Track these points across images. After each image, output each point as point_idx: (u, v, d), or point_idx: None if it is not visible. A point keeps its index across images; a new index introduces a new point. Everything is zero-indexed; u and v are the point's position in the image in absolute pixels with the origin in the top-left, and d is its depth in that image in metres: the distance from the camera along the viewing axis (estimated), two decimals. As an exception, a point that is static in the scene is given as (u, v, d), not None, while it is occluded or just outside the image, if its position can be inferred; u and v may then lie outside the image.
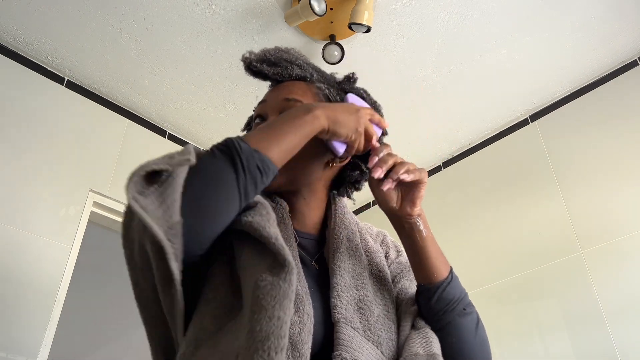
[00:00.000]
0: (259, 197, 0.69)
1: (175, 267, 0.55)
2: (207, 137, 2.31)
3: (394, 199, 0.80)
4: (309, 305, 0.68)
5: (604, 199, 1.86)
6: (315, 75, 0.88)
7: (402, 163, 0.77)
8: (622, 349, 1.64)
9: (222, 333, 0.61)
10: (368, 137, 0.78)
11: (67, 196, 1.81)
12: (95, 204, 1.90)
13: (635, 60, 1.99)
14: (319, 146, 0.80)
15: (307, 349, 0.63)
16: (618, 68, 2.02)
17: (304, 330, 0.64)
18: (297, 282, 0.58)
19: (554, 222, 1.96)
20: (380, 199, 0.80)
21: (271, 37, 1.87)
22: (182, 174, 0.58)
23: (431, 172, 2.49)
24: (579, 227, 1.89)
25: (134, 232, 0.58)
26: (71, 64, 1.96)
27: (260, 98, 0.89)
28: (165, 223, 0.54)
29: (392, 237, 0.94)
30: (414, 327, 0.76)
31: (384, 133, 0.88)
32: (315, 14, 1.64)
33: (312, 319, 0.67)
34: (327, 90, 0.86)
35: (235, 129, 2.54)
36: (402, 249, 0.92)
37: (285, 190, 0.83)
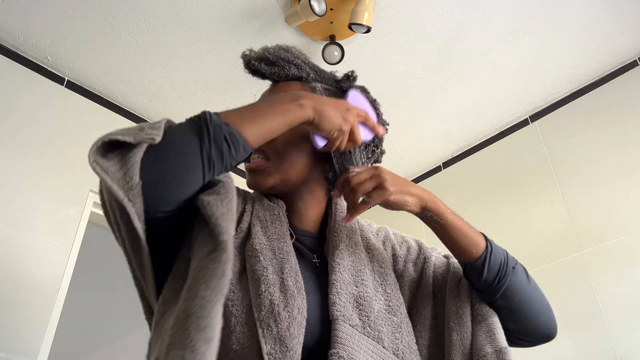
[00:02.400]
0: (225, 176, 0.68)
1: (139, 226, 0.57)
2: (207, 137, 2.31)
3: (394, 206, 0.81)
4: (301, 300, 0.68)
5: (604, 199, 1.86)
6: (312, 75, 0.88)
7: (355, 191, 0.77)
8: (622, 349, 1.64)
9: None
10: (352, 138, 0.78)
11: (67, 196, 1.81)
12: (95, 204, 1.90)
13: (635, 60, 1.99)
14: (309, 145, 0.81)
15: (296, 343, 0.63)
16: (618, 68, 2.02)
17: (293, 324, 0.65)
18: (231, 262, 0.56)
19: (554, 222, 1.96)
20: (390, 208, 0.82)
21: (271, 38, 1.87)
22: (143, 146, 0.60)
23: (431, 172, 2.49)
24: (579, 227, 1.89)
25: (105, 196, 0.61)
26: (71, 64, 1.96)
27: (258, 97, 0.89)
28: (125, 184, 0.56)
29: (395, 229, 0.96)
30: (474, 316, 0.78)
31: (377, 139, 0.87)
32: (316, 14, 1.64)
33: (305, 313, 0.67)
34: (323, 90, 0.86)
35: (235, 129, 2.52)
36: (406, 238, 0.95)
37: (280, 191, 0.84)
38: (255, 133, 0.67)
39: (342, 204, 0.88)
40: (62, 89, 1.98)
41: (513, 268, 0.80)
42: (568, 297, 1.82)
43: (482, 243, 0.80)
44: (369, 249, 0.85)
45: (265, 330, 0.64)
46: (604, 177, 1.89)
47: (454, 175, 2.41)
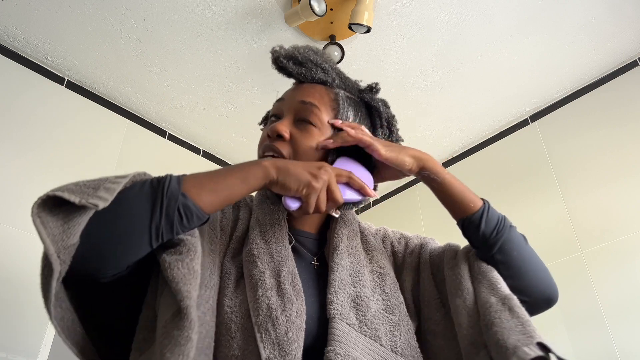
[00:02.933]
0: (188, 233, 0.67)
1: (54, 285, 0.56)
2: (207, 137, 2.31)
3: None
4: (299, 303, 0.68)
5: (604, 199, 1.86)
6: (337, 81, 0.89)
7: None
8: (622, 349, 1.64)
9: (144, 357, 0.62)
10: (331, 197, 0.73)
11: (67, 196, 1.81)
12: (95, 204, 1.90)
13: (635, 60, 1.99)
14: (319, 154, 0.82)
15: (296, 347, 0.64)
16: (618, 68, 2.02)
17: (292, 328, 0.65)
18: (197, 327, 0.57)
19: (554, 222, 1.96)
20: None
21: (271, 38, 1.87)
22: (89, 212, 0.58)
23: (431, 173, 2.49)
24: (579, 227, 1.89)
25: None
26: (71, 64, 1.96)
27: (280, 94, 0.90)
28: (60, 241, 0.55)
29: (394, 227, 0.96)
30: (473, 277, 0.78)
31: (364, 199, 0.81)
32: (316, 14, 1.64)
33: (304, 316, 0.68)
34: (345, 98, 0.88)
35: (235, 129, 2.55)
36: (405, 233, 0.95)
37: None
38: (214, 202, 0.66)
39: (344, 210, 0.89)
40: (62, 89, 1.98)
41: (511, 226, 0.81)
42: (568, 297, 1.82)
43: (479, 201, 0.82)
44: (369, 250, 0.86)
45: (263, 335, 0.64)
46: (604, 177, 1.89)
47: (454, 174, 2.41)
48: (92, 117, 2.02)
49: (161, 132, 2.24)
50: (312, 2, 1.63)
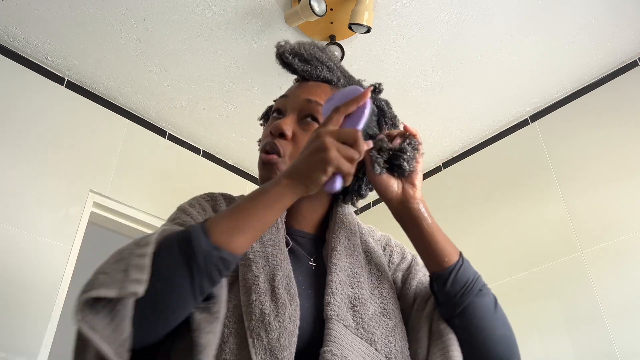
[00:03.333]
0: (217, 287, 0.65)
1: None
2: (207, 137, 2.31)
3: (394, 185, 0.78)
4: (293, 309, 0.67)
5: (604, 199, 1.86)
6: (342, 80, 0.87)
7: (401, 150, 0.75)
8: (622, 349, 1.64)
9: None
10: (356, 148, 0.65)
11: (67, 196, 1.81)
12: (96, 204, 1.90)
13: (635, 60, 1.99)
14: None
15: (287, 354, 0.63)
16: (618, 68, 2.02)
17: (284, 334, 0.64)
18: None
19: (554, 222, 1.96)
20: (380, 188, 0.78)
21: (271, 38, 1.87)
22: (132, 300, 0.57)
23: (431, 173, 2.49)
24: (579, 227, 1.89)
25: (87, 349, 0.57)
26: (71, 64, 1.96)
27: (284, 89, 0.88)
28: (114, 340, 0.55)
29: (398, 238, 0.93)
30: (432, 332, 0.75)
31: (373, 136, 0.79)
32: (316, 14, 1.64)
33: (297, 322, 0.67)
34: None
35: (235, 129, 2.55)
36: (406, 250, 0.91)
37: None
38: (246, 241, 0.64)
39: (343, 208, 0.87)
40: (62, 89, 1.98)
41: (480, 290, 0.75)
42: (568, 297, 1.82)
43: (457, 255, 0.77)
44: (368, 252, 0.84)
45: (255, 341, 0.63)
46: (604, 177, 1.89)
47: (454, 175, 2.41)
48: (92, 117, 2.02)
49: (161, 132, 2.24)
50: (312, 2, 1.63)
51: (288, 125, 0.81)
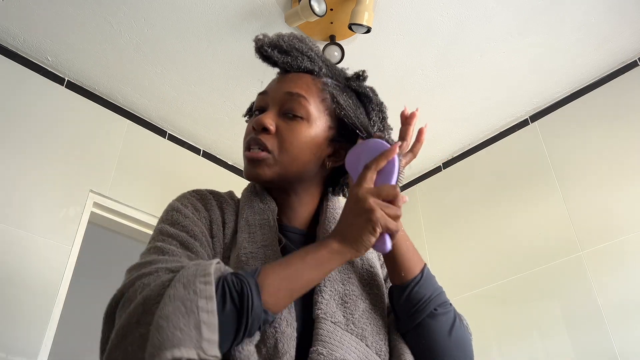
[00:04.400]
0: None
1: None
2: (207, 137, 2.31)
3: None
4: (289, 310, 0.66)
5: (604, 199, 1.86)
6: (324, 70, 0.85)
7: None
8: (622, 349, 1.64)
9: None
10: (395, 204, 0.67)
11: (67, 197, 1.81)
12: (96, 204, 1.90)
13: (635, 60, 1.99)
14: (317, 147, 0.79)
15: (287, 358, 0.62)
16: (618, 69, 2.02)
17: (282, 339, 0.63)
18: None
19: (554, 222, 1.96)
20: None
21: (271, 38, 1.87)
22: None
23: (431, 173, 2.49)
24: (579, 227, 1.89)
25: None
26: (71, 64, 1.96)
27: (266, 84, 0.87)
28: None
29: None
30: (390, 345, 0.74)
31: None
32: (316, 14, 1.64)
33: (295, 324, 0.66)
34: (333, 86, 0.84)
35: (235, 130, 2.54)
36: None
37: (277, 186, 0.82)
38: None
39: (333, 202, 0.86)
40: (62, 89, 1.98)
41: (435, 310, 0.73)
42: (568, 298, 1.82)
43: (417, 270, 0.74)
44: None
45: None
46: (604, 177, 1.89)
47: (454, 175, 2.41)
48: (92, 117, 2.02)
49: (161, 132, 2.24)
50: (312, 2, 1.63)
51: (270, 119, 0.79)
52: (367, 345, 0.70)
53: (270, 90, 0.84)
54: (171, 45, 1.90)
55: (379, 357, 0.70)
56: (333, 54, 1.83)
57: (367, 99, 0.88)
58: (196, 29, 1.84)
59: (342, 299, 0.72)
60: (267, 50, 0.84)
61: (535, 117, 2.20)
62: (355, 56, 1.93)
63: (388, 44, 1.91)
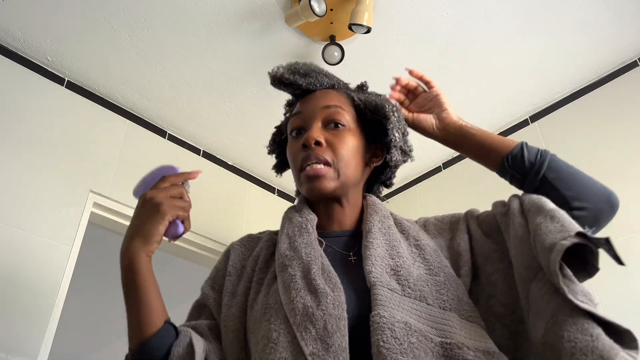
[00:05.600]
0: None
1: None
2: (207, 137, 2.31)
3: (431, 121, 0.95)
4: (337, 294, 0.69)
5: (604, 199, 1.86)
6: (341, 84, 0.95)
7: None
8: (622, 349, 1.64)
9: None
10: (178, 204, 0.76)
11: (67, 197, 1.81)
12: (96, 204, 1.90)
13: (636, 60, 1.99)
14: (363, 150, 0.88)
15: (338, 337, 0.64)
16: (618, 68, 2.02)
17: (330, 320, 0.66)
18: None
19: (554, 222, 1.96)
20: (424, 130, 0.95)
21: (271, 38, 1.87)
22: None
23: (431, 173, 2.49)
24: (579, 227, 1.89)
25: None
26: (71, 65, 1.96)
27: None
28: None
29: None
30: (523, 209, 0.78)
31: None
32: (316, 14, 1.64)
33: (344, 305, 0.68)
34: (353, 95, 0.92)
35: (235, 130, 2.55)
36: (446, 215, 0.95)
37: (338, 195, 0.86)
38: (145, 327, 0.73)
39: (372, 199, 0.91)
40: (62, 89, 1.98)
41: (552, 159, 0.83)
42: (568, 298, 1.82)
43: (515, 141, 0.85)
44: (403, 230, 0.86)
45: (304, 333, 0.66)
46: (604, 177, 1.87)
47: (454, 175, 2.41)
48: (92, 117, 2.02)
49: (161, 132, 2.24)
50: (312, 3, 1.63)
51: (318, 133, 0.85)
52: (427, 304, 0.71)
53: (305, 109, 0.90)
54: (171, 45, 1.90)
55: (444, 309, 0.71)
56: (333, 54, 1.83)
57: (360, 88, 1.03)
58: (196, 29, 1.85)
59: (393, 270, 0.74)
60: (289, 77, 0.91)
61: (535, 117, 2.20)
62: (355, 56, 1.94)
63: (388, 44, 1.91)
